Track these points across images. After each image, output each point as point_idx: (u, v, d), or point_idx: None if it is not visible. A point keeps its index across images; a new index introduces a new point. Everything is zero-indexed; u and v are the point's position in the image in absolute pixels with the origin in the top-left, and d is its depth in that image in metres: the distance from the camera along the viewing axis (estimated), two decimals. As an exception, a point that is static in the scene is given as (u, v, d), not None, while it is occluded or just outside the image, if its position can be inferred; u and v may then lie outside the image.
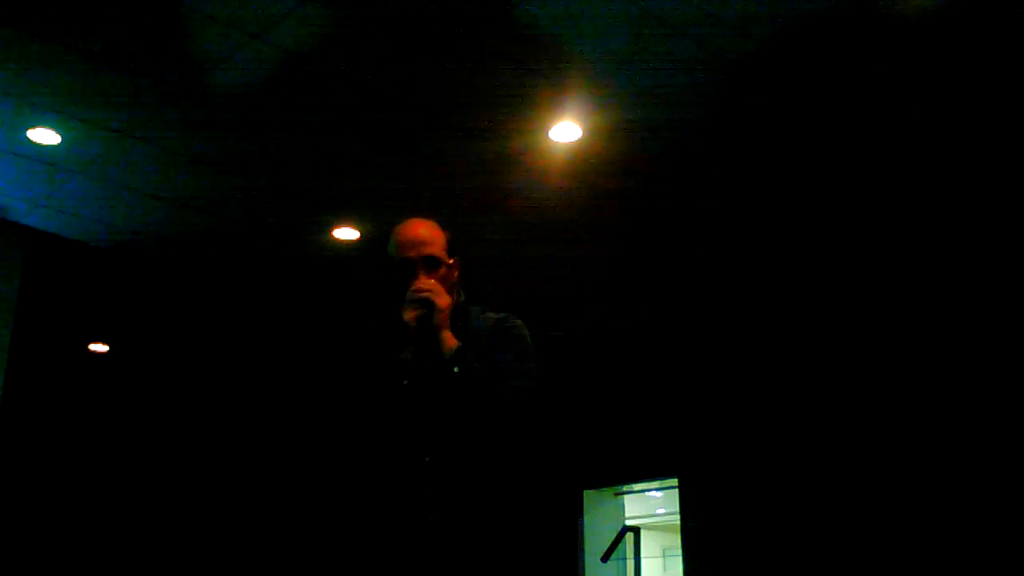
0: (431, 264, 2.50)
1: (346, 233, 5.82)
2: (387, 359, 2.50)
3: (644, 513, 8.85)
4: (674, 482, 7.15)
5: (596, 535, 7.46)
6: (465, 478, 2.35)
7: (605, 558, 6.83)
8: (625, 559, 7.12)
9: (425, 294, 2.42)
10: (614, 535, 6.89)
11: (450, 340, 2.41)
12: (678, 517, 7.00)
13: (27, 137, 4.76)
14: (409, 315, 2.41)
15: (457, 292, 2.57)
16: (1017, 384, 5.28)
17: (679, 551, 6.90)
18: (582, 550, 7.45)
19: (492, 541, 2.35)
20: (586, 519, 7.55)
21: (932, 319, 5.73)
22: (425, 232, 2.54)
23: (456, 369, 2.36)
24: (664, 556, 9.13)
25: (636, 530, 6.85)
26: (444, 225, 2.63)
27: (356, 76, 4.31)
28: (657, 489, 8.12)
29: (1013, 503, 5.13)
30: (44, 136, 4.76)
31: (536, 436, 2.40)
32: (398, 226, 2.57)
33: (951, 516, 5.38)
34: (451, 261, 2.56)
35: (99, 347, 6.20)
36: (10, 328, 5.58)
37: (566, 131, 4.74)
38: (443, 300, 2.44)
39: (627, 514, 7.89)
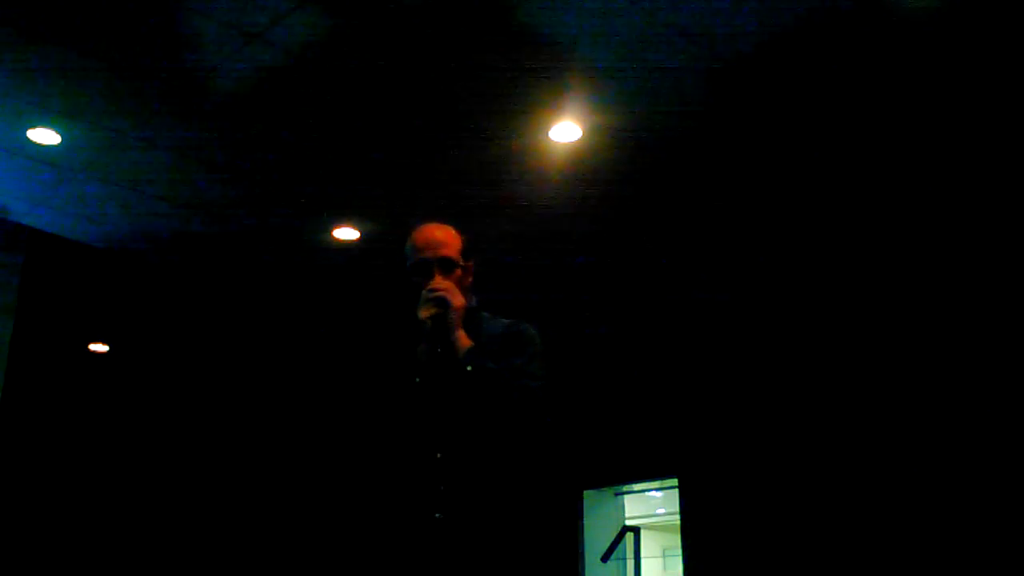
0: (446, 265, 2.57)
1: (346, 233, 5.81)
2: (401, 356, 2.54)
3: (644, 513, 8.84)
4: (674, 482, 7.14)
5: (596, 535, 7.45)
6: (476, 475, 2.40)
7: (605, 558, 6.83)
8: (625, 559, 7.13)
9: (441, 293, 2.48)
10: (614, 535, 6.89)
11: (464, 339, 2.46)
12: (678, 517, 7.00)
13: (27, 137, 4.76)
14: (424, 313, 2.47)
15: (470, 295, 2.62)
16: (1017, 384, 5.28)
17: (679, 551, 6.90)
18: (582, 550, 7.45)
19: (500, 538, 2.39)
20: (586, 519, 7.55)
21: (932, 319, 5.73)
22: (442, 235, 2.61)
23: (469, 368, 2.41)
24: (664, 556, 9.12)
25: (636, 530, 6.85)
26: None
27: (356, 77, 4.31)
28: (657, 489, 8.12)
29: (1013, 504, 5.13)
30: (44, 136, 4.76)
31: (547, 436, 2.47)
32: (416, 229, 2.65)
33: (952, 516, 5.38)
34: (466, 264, 2.63)
35: (99, 347, 6.20)
36: (10, 328, 5.58)
37: (566, 131, 4.74)
38: (458, 300, 2.49)
39: (627, 514, 7.89)
